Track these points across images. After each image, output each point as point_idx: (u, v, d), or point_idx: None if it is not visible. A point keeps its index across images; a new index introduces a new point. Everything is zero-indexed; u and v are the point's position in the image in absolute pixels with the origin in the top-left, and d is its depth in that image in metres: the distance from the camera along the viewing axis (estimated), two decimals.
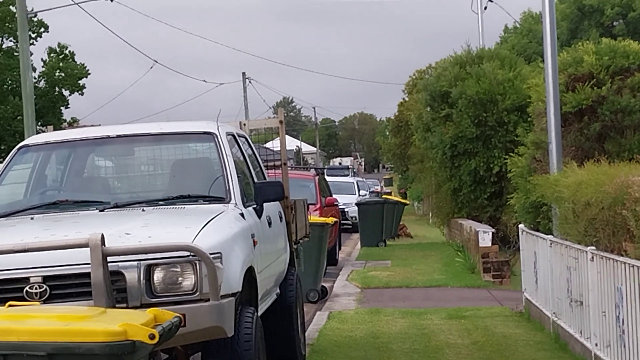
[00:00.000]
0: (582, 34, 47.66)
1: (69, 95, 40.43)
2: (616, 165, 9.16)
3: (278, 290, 8.83)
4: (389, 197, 30.81)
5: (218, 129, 7.93)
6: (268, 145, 12.12)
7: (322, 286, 14.92)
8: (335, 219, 18.04)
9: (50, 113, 38.96)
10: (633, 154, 10.78)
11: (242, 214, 7.20)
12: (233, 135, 8.31)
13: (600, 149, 11.42)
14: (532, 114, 12.91)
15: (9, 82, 38.33)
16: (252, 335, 6.39)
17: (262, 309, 7.56)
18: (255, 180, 8.31)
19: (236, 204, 7.28)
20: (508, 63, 21.73)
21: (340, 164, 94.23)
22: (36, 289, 5.77)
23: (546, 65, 11.48)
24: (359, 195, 35.33)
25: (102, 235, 5.60)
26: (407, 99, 39.79)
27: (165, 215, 6.89)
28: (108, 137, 8.03)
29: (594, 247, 8.49)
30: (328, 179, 28.32)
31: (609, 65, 11.69)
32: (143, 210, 7.04)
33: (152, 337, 4.33)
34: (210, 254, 5.82)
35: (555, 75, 11.41)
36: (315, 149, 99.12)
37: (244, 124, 9.97)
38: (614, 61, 11.73)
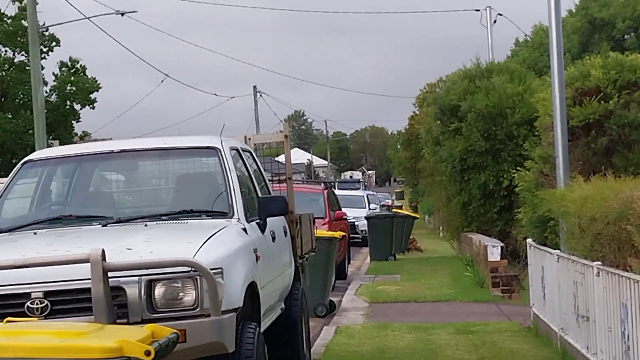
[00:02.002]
0: (593, 47, 47.56)
1: (80, 109, 40.55)
2: (622, 179, 9.12)
3: (283, 305, 8.81)
4: (399, 210, 30.76)
5: (222, 143, 7.93)
6: (280, 158, 12.12)
7: (330, 300, 14.89)
8: (344, 233, 18.02)
9: (61, 127, 39.05)
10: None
11: (244, 229, 7.19)
12: (237, 150, 8.31)
13: (608, 163, 11.37)
14: (539, 127, 12.87)
15: (21, 96, 38.47)
16: (254, 351, 6.37)
17: (265, 324, 7.54)
18: (260, 194, 8.30)
19: (239, 218, 7.27)
20: (517, 76, 21.65)
21: (351, 177, 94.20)
22: (37, 304, 5.79)
23: (552, 79, 11.44)
24: (369, 208, 35.29)
25: (103, 251, 5.60)
26: (417, 112, 39.77)
27: (168, 230, 6.89)
28: (112, 152, 8.05)
29: (599, 262, 8.44)
30: (338, 192, 28.31)
31: (616, 79, 11.64)
32: (146, 225, 7.05)
33: (147, 353, 4.30)
34: (211, 269, 5.82)
35: (562, 89, 11.36)
36: (326, 162, 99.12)
37: (249, 139, 9.99)
38: (621, 75, 11.68)
